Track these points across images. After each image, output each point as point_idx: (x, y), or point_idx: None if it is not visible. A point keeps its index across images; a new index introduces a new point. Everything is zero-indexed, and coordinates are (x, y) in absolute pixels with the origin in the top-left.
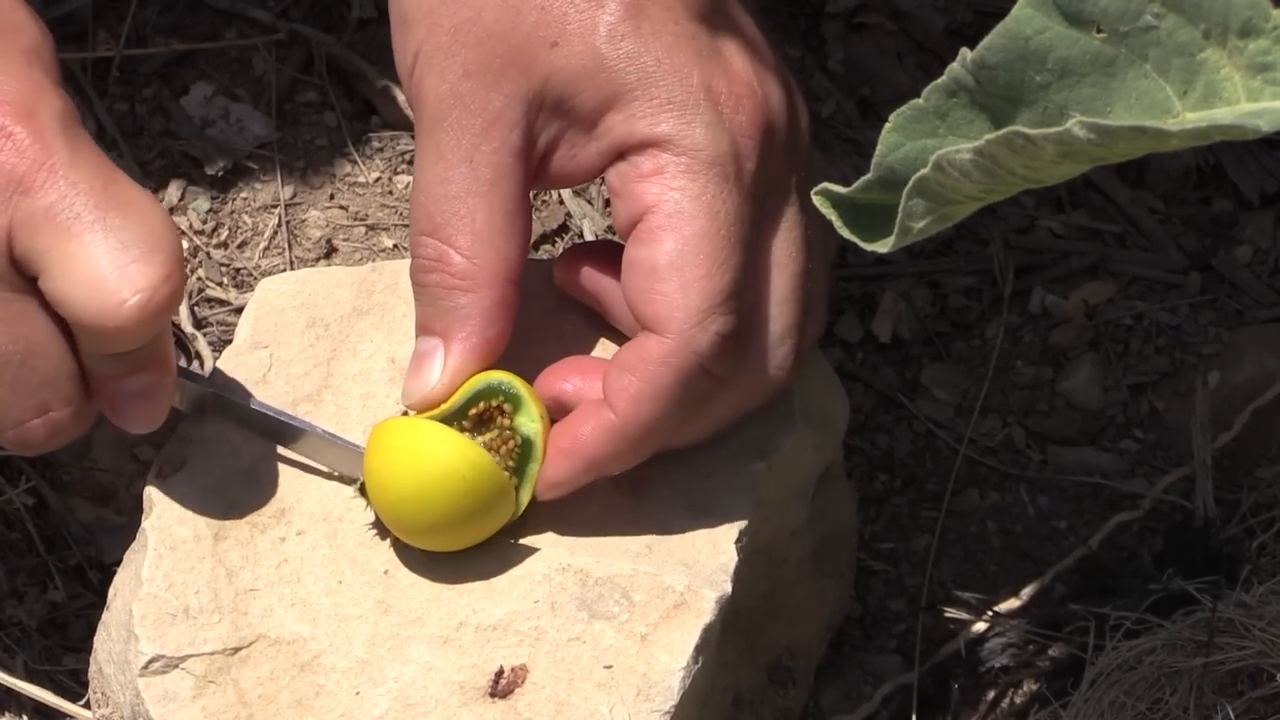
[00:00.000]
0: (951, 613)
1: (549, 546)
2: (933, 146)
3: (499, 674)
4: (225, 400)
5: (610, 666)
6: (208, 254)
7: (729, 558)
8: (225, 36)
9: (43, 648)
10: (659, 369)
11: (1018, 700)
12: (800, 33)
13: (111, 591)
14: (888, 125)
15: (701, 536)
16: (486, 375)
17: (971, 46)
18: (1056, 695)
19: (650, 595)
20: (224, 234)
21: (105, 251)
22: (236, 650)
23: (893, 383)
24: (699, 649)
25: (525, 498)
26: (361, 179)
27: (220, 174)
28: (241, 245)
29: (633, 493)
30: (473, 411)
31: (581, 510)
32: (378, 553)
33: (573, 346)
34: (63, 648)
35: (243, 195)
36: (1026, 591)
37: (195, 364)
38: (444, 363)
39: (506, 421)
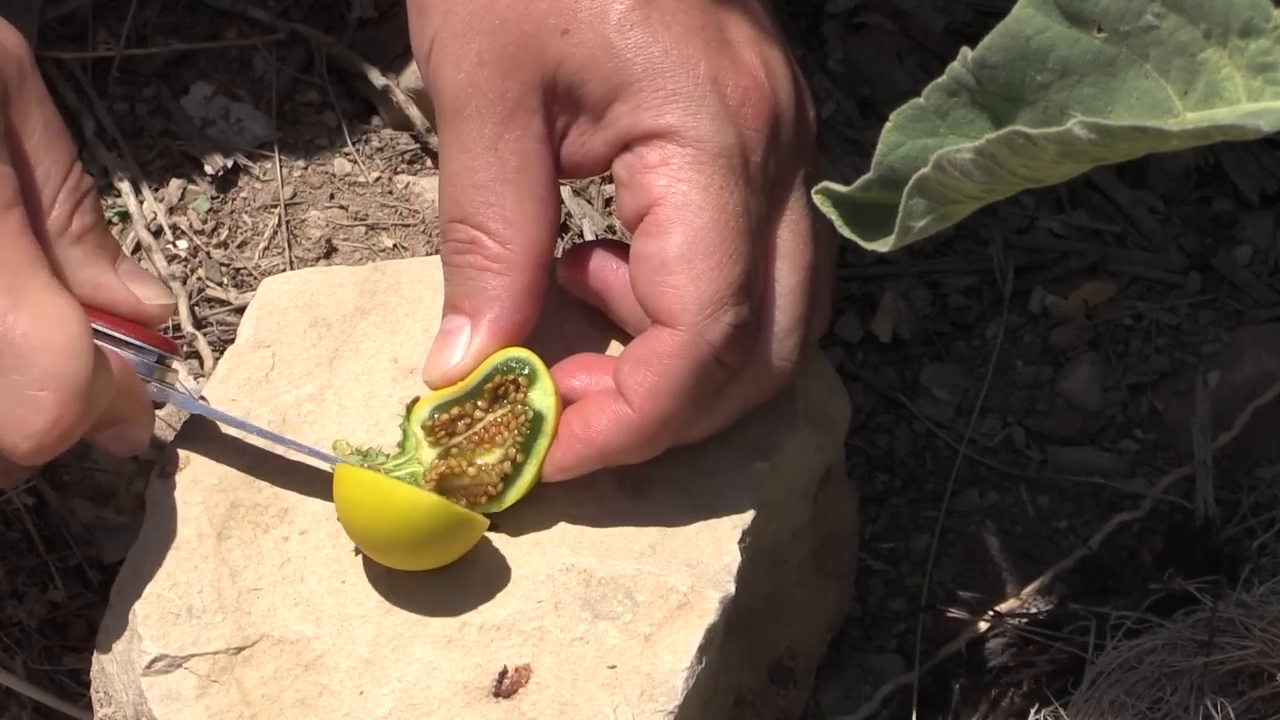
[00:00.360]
0: (951, 613)
1: (553, 546)
2: (933, 146)
3: (503, 674)
4: (210, 421)
5: (614, 666)
6: (208, 254)
7: (732, 558)
8: (225, 36)
9: (43, 648)
10: (673, 362)
11: (1018, 700)
12: (800, 33)
13: (114, 591)
14: (888, 124)
15: (705, 537)
16: (503, 351)
17: (972, 46)
18: (1057, 695)
19: (654, 595)
20: (224, 234)
21: None
22: (240, 650)
23: (893, 383)
24: (702, 649)
25: (530, 474)
26: (361, 179)
27: (220, 174)
28: (241, 245)
29: (636, 493)
30: (489, 386)
31: (585, 510)
32: None
33: (576, 346)
34: (63, 648)
35: (243, 195)
36: (1026, 591)
37: (188, 371)
38: (469, 341)
39: (520, 396)
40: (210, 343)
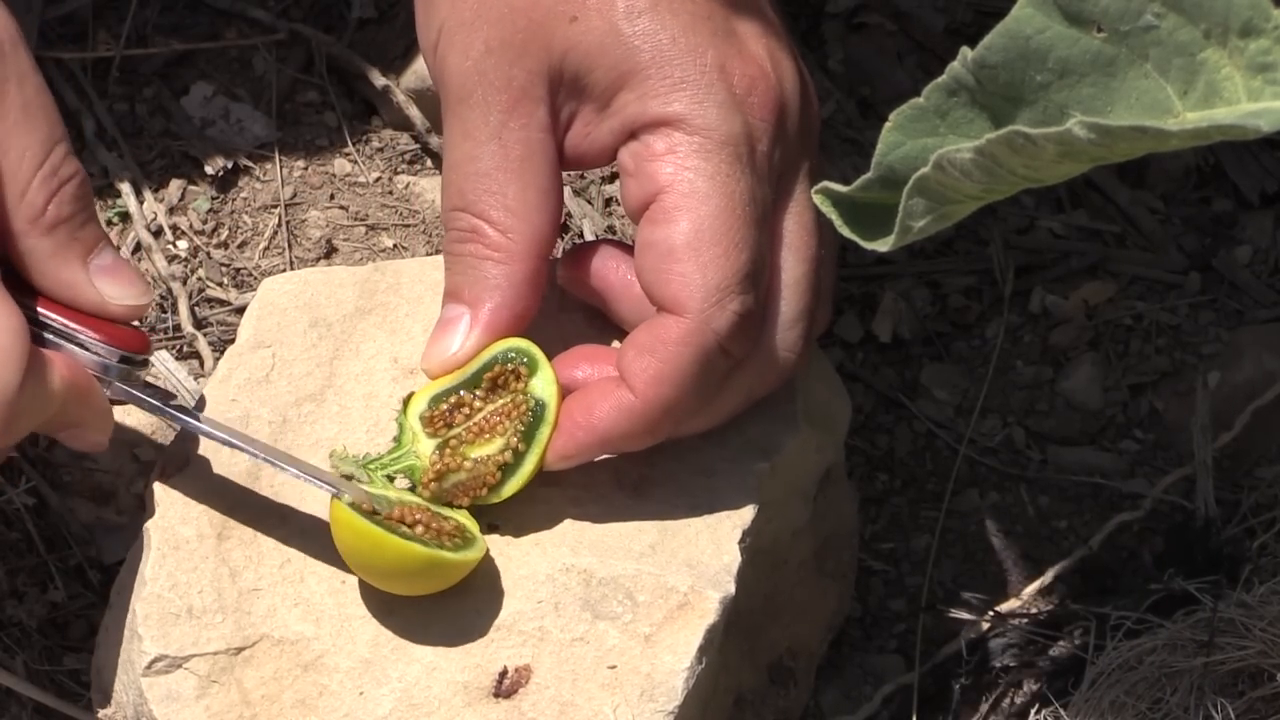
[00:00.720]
0: (951, 613)
1: (552, 547)
2: (933, 145)
3: (503, 674)
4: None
5: (614, 667)
6: (208, 254)
7: (732, 558)
8: (225, 36)
9: (43, 648)
10: (678, 349)
11: (1018, 700)
12: (800, 33)
13: (114, 591)
14: (888, 124)
15: (705, 537)
16: (502, 342)
17: (972, 46)
18: (1057, 695)
19: (654, 596)
20: (224, 234)
21: None
22: (240, 650)
23: (893, 383)
24: (703, 649)
25: (531, 463)
26: (361, 179)
27: (220, 174)
28: (241, 245)
29: (636, 493)
30: (488, 376)
31: (585, 511)
32: None
33: (574, 346)
34: (63, 648)
35: (243, 195)
36: (1026, 591)
37: (189, 372)
38: (468, 330)
39: (521, 385)
40: (210, 343)
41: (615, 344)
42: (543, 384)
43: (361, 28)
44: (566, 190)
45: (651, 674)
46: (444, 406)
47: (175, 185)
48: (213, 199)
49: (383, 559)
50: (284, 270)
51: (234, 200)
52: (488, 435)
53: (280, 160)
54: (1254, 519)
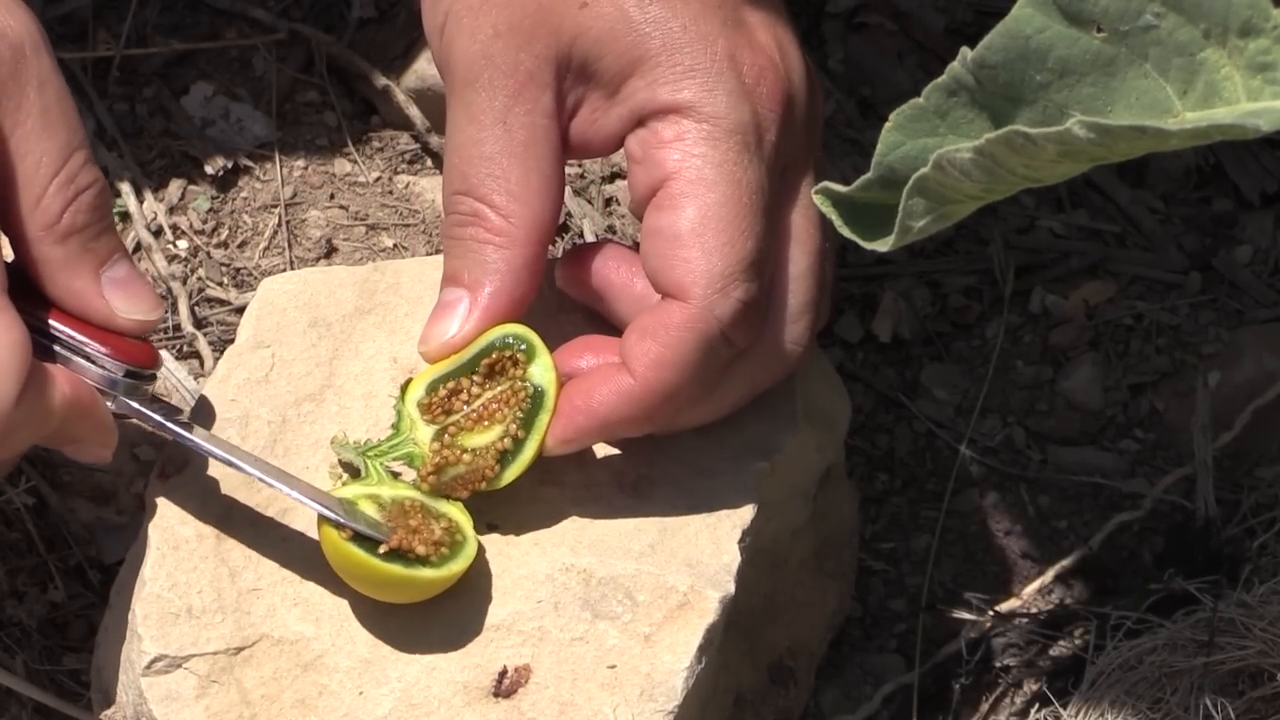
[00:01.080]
0: (951, 613)
1: (552, 546)
2: (933, 145)
3: (502, 674)
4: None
5: (614, 666)
6: (208, 254)
7: (732, 558)
8: (225, 36)
9: (43, 648)
10: (680, 334)
11: (1018, 700)
12: (800, 33)
13: (114, 591)
14: (888, 124)
15: (705, 537)
16: (500, 328)
17: (971, 46)
18: (1057, 695)
19: (654, 595)
20: (224, 234)
21: None
22: (240, 650)
23: (893, 383)
24: (702, 649)
25: (531, 450)
26: (361, 179)
27: (220, 174)
28: (241, 245)
29: (636, 493)
30: (485, 362)
31: (585, 510)
32: None
33: None
34: (63, 648)
35: (243, 195)
36: (1026, 591)
37: (189, 371)
38: (467, 314)
39: (519, 372)
40: (210, 343)
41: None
42: (541, 370)
43: (361, 28)
44: (566, 190)
45: (651, 674)
46: (442, 393)
47: (175, 185)
48: (213, 199)
49: (374, 584)
50: (284, 270)
51: (234, 200)
52: (486, 422)
53: (280, 160)
54: (1254, 519)
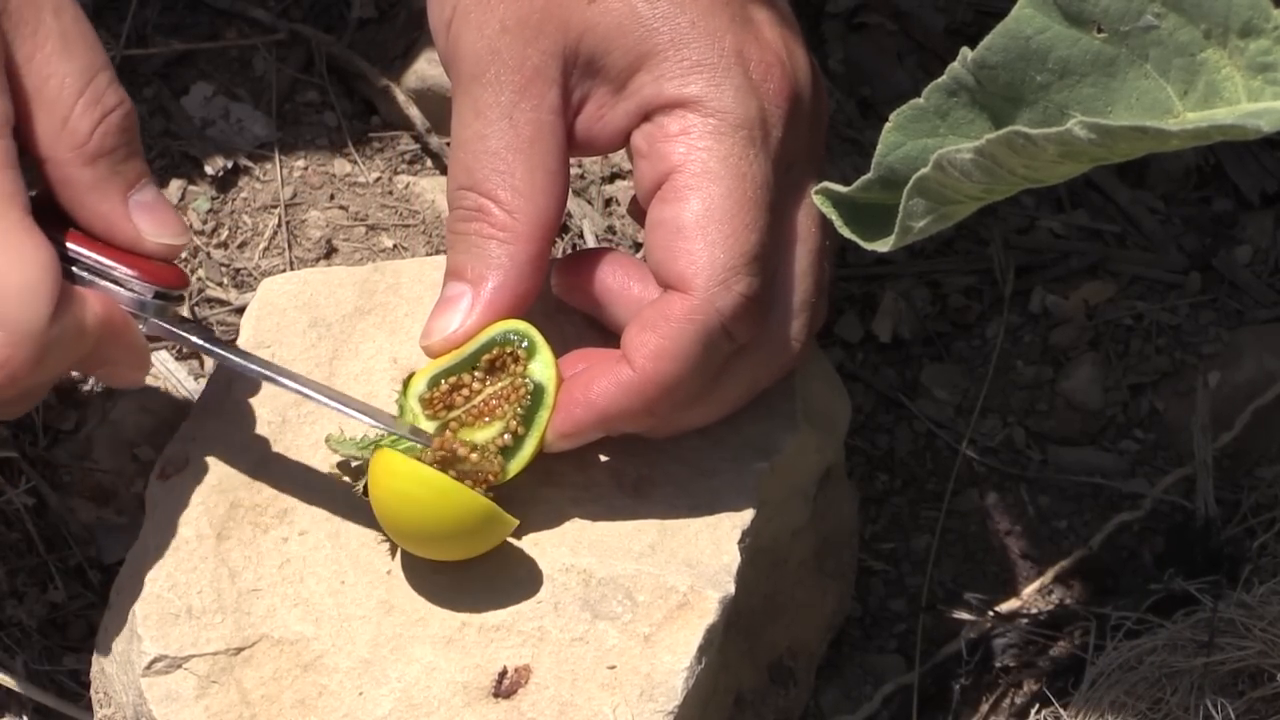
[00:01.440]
0: (951, 613)
1: (552, 546)
2: (933, 146)
3: (502, 674)
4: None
5: (614, 667)
6: (208, 254)
7: (732, 558)
8: (225, 36)
9: (43, 648)
10: (681, 326)
11: (1018, 700)
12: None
13: (114, 591)
14: (888, 124)
15: (704, 537)
16: (502, 324)
17: (972, 46)
18: (1057, 695)
19: (653, 595)
20: (224, 234)
21: None
22: (239, 650)
23: (893, 383)
24: (702, 649)
25: (531, 446)
26: (361, 179)
27: (220, 174)
28: (241, 245)
29: (636, 493)
30: (486, 358)
31: (585, 510)
32: (380, 553)
33: (574, 348)
34: (63, 648)
35: (243, 195)
36: (1026, 591)
37: (189, 372)
38: (469, 308)
39: (520, 368)
40: None
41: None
42: (541, 367)
43: (361, 28)
44: None
45: (651, 674)
46: (444, 387)
47: (175, 185)
48: (213, 199)
49: (442, 510)
50: (284, 270)
51: (234, 200)
52: (487, 418)
53: (280, 160)
54: (1254, 519)
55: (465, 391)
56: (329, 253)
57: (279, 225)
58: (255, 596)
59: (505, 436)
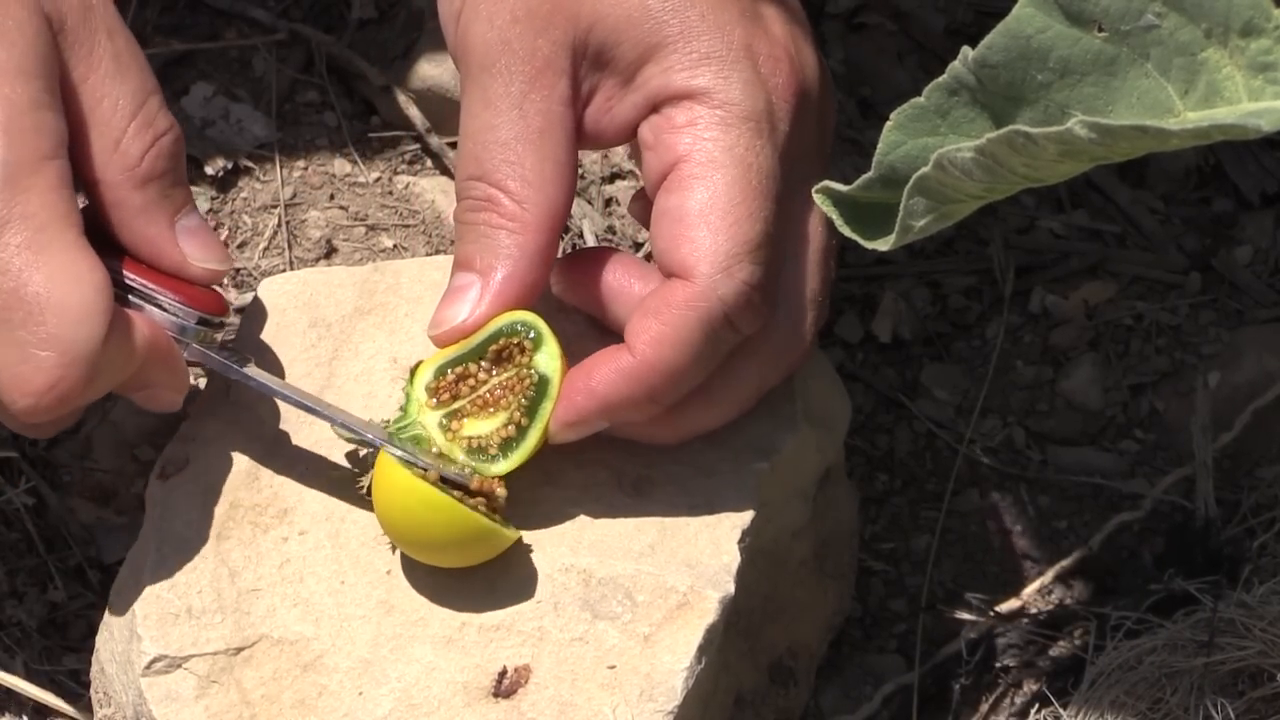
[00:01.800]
0: (952, 613)
1: (552, 546)
2: (934, 145)
3: (502, 674)
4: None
5: (613, 667)
6: None
7: (732, 558)
8: (225, 36)
9: (43, 648)
10: (682, 313)
11: (1018, 700)
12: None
13: (114, 591)
14: (889, 124)
15: (704, 537)
16: (509, 314)
17: (972, 46)
18: (1057, 695)
19: (653, 595)
20: (224, 234)
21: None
22: (239, 650)
23: (893, 383)
24: (702, 649)
25: (534, 437)
26: (361, 179)
27: (220, 174)
28: (241, 245)
29: (635, 493)
30: (493, 348)
31: (585, 510)
32: (380, 553)
33: (575, 348)
34: (63, 648)
35: (243, 195)
36: (1026, 591)
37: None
38: (478, 299)
39: (525, 359)
40: None
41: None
42: (547, 358)
43: (361, 28)
44: None
45: (651, 674)
46: (450, 377)
47: None
48: (213, 199)
49: (440, 526)
50: (284, 270)
51: (234, 200)
52: (491, 409)
53: (280, 160)
54: (1254, 519)
55: (471, 381)
56: (329, 253)
57: (279, 225)
58: (255, 596)
59: (509, 427)
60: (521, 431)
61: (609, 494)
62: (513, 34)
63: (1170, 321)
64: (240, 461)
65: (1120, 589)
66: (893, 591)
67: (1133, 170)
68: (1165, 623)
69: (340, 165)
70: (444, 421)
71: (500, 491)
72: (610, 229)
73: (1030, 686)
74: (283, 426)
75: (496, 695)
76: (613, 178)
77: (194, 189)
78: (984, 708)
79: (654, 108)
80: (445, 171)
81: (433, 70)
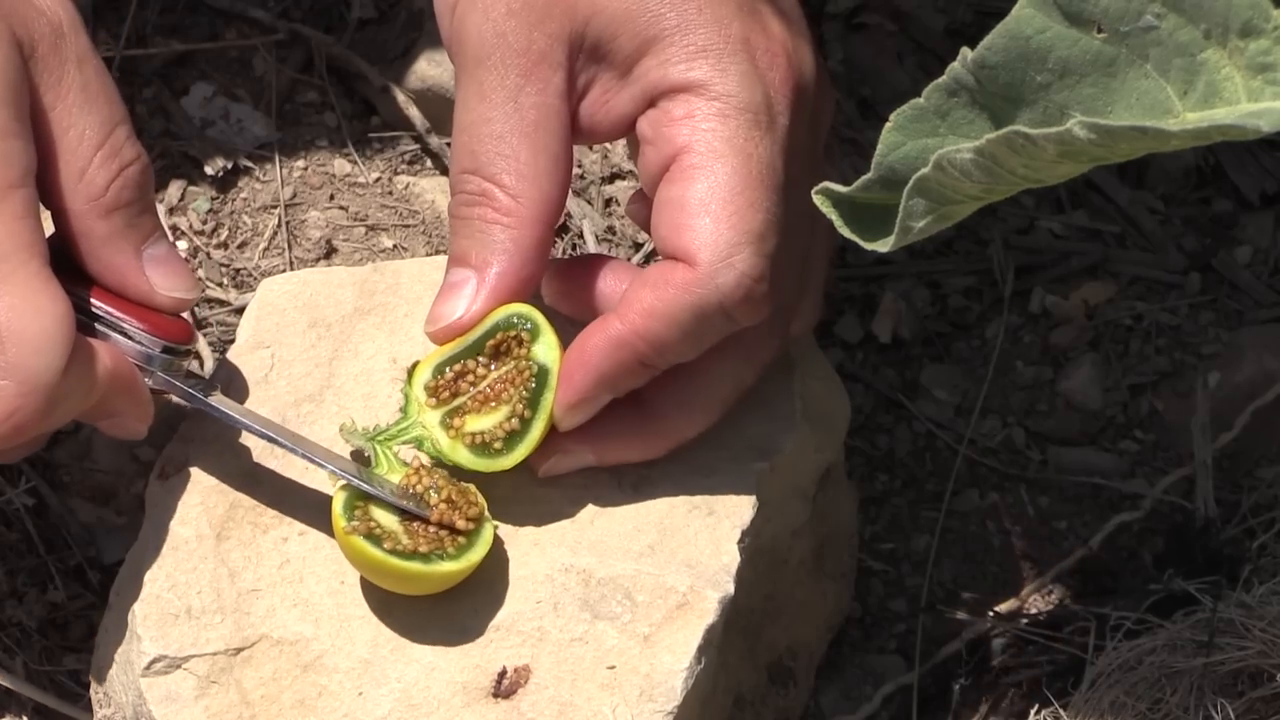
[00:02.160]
0: (951, 613)
1: (552, 546)
2: (933, 146)
3: (502, 674)
4: (210, 420)
5: (613, 667)
6: (208, 254)
7: (731, 558)
8: (225, 36)
9: (43, 648)
10: (678, 293)
11: (1018, 700)
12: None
13: (114, 591)
14: (888, 124)
15: (704, 537)
16: (505, 307)
17: (972, 46)
18: (1057, 695)
19: (653, 596)
20: (224, 234)
21: None
22: (239, 650)
23: (893, 383)
24: (702, 649)
25: (538, 429)
26: (361, 179)
27: (220, 174)
28: (241, 245)
29: (636, 493)
30: (490, 343)
31: (584, 510)
32: None
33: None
34: (63, 648)
35: (243, 195)
36: (1026, 591)
37: (196, 364)
38: (474, 294)
39: (524, 351)
40: (210, 343)
41: None
42: (545, 349)
43: (361, 28)
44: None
45: (650, 674)
46: (449, 375)
47: (175, 185)
48: (212, 199)
49: (390, 580)
50: (284, 270)
51: (234, 200)
52: (493, 404)
53: (280, 160)
54: (1254, 519)
55: (470, 378)
56: (329, 253)
57: (279, 225)
58: (255, 596)
59: (513, 421)
60: (525, 424)
61: (609, 494)
62: (508, 26)
63: (1170, 322)
64: (240, 461)
65: (1120, 589)
66: (892, 592)
67: (1132, 170)
68: (1165, 623)
69: (340, 165)
70: (445, 420)
71: (461, 524)
72: (610, 229)
73: (1030, 687)
74: (283, 426)
75: (496, 695)
76: (612, 178)
77: (194, 189)
78: (984, 708)
79: (651, 101)
80: (445, 171)
81: (432, 70)
